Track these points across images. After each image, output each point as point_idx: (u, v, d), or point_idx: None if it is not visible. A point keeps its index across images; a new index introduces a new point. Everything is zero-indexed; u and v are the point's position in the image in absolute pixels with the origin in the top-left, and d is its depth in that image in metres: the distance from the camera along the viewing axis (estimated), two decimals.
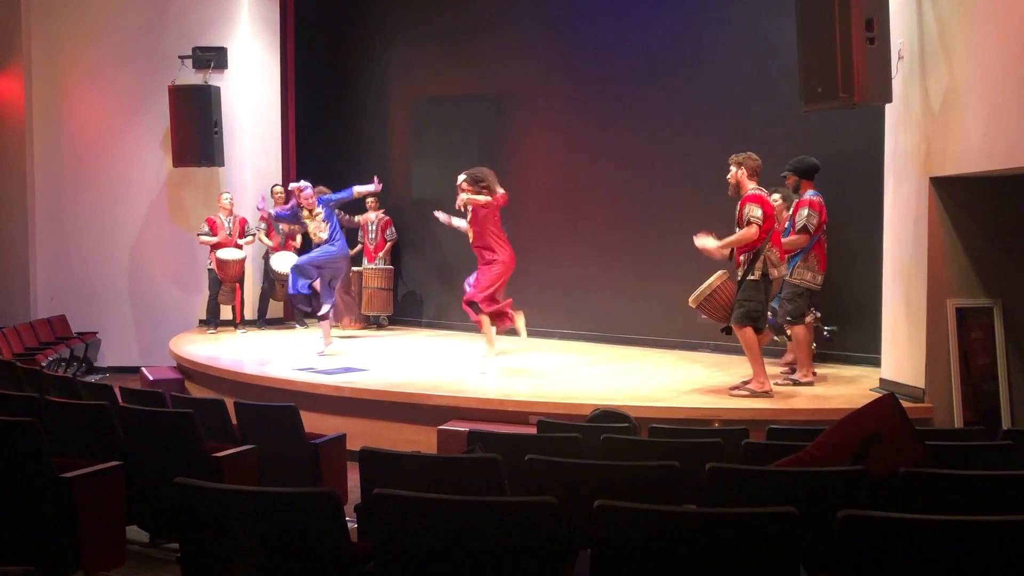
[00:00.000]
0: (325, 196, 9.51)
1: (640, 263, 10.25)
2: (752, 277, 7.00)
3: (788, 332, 7.86)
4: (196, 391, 9.26)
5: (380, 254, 11.67)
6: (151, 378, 9.63)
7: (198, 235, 11.30)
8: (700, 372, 8.39)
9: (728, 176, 7.21)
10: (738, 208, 7.10)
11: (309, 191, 9.42)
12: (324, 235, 9.39)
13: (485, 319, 8.66)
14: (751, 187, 7.09)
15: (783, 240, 7.52)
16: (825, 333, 8.12)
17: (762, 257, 6.99)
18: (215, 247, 11.17)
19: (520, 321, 8.90)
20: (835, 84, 6.28)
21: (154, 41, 11.80)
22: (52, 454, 3.84)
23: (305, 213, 9.49)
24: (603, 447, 4.46)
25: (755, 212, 6.94)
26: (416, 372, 8.46)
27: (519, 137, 11.38)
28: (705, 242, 7.15)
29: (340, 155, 12.69)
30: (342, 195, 9.56)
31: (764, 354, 7.26)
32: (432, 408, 7.30)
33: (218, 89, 11.64)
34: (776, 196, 7.99)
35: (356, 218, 11.64)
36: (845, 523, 2.59)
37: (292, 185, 9.83)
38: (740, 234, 7.00)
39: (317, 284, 9.45)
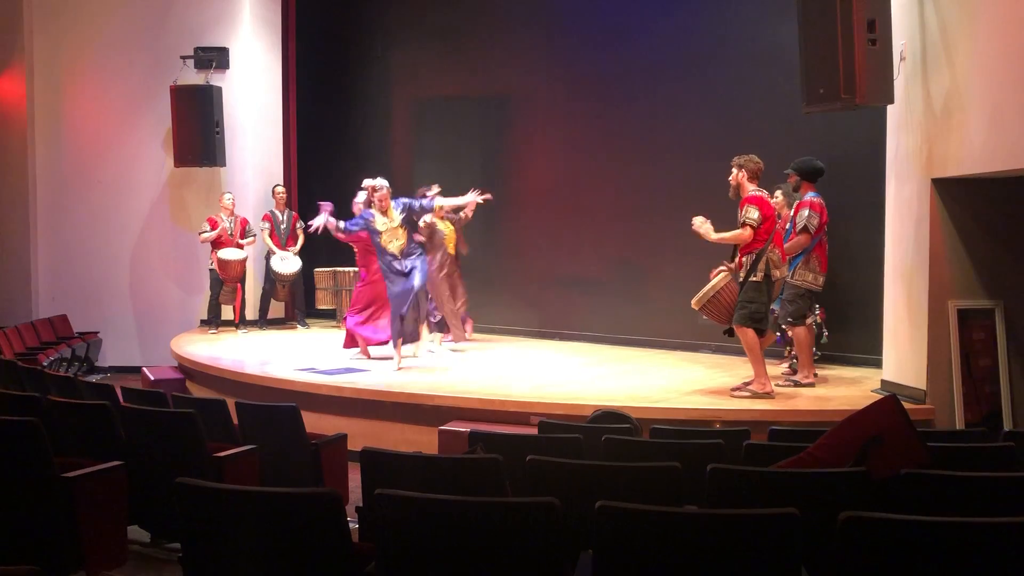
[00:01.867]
0: (402, 200, 8.50)
1: (641, 264, 10.25)
2: (754, 278, 7.01)
3: (789, 333, 7.87)
4: (197, 391, 9.26)
5: None
6: (152, 378, 9.63)
7: (199, 233, 11.29)
8: (701, 373, 8.39)
9: (730, 178, 7.22)
10: (739, 209, 7.12)
11: (386, 190, 8.45)
12: (400, 241, 8.38)
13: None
14: (751, 189, 7.11)
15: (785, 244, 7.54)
16: (825, 335, 8.18)
17: (764, 258, 7.00)
18: (216, 246, 11.17)
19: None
20: (837, 85, 6.27)
21: (156, 41, 11.81)
22: (53, 454, 3.84)
23: (378, 217, 8.38)
24: (604, 448, 4.46)
25: (751, 214, 6.96)
26: (417, 372, 8.46)
27: (520, 137, 11.38)
28: (702, 227, 7.18)
29: (341, 155, 12.69)
30: (418, 202, 8.59)
31: (765, 355, 7.26)
32: (433, 408, 7.31)
33: (219, 89, 11.65)
34: (778, 194, 8.02)
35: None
36: (846, 524, 2.59)
37: (367, 182, 8.65)
38: (733, 233, 7.03)
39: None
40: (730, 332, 7.23)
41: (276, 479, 4.87)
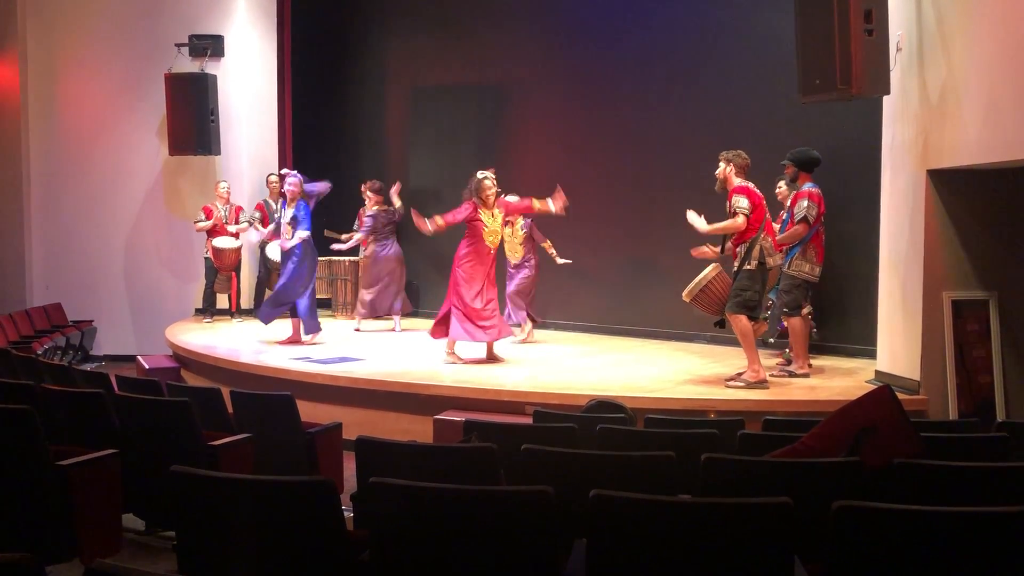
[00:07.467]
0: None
1: (636, 254, 10.25)
2: (748, 266, 7.03)
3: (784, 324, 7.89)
4: (192, 380, 9.25)
5: None
6: (147, 367, 9.61)
7: (195, 222, 11.25)
8: (696, 363, 8.40)
9: (716, 172, 7.24)
10: (727, 201, 7.15)
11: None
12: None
13: None
14: (738, 182, 7.13)
15: (782, 233, 7.55)
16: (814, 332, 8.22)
17: (758, 246, 7.02)
18: (211, 235, 11.14)
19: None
20: (833, 76, 6.26)
21: (150, 28, 11.75)
22: (48, 442, 3.84)
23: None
24: (599, 437, 4.47)
25: (741, 203, 7.00)
26: (412, 361, 8.46)
27: (516, 127, 11.35)
28: (696, 220, 7.19)
29: (337, 144, 12.66)
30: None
31: (759, 345, 7.27)
32: (428, 397, 7.31)
33: (215, 77, 11.60)
34: (781, 184, 8.04)
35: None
36: (840, 514, 2.60)
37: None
38: (727, 222, 7.07)
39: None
40: (721, 324, 7.26)
41: (271, 468, 4.86)
